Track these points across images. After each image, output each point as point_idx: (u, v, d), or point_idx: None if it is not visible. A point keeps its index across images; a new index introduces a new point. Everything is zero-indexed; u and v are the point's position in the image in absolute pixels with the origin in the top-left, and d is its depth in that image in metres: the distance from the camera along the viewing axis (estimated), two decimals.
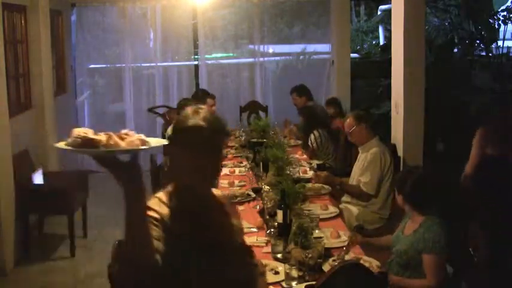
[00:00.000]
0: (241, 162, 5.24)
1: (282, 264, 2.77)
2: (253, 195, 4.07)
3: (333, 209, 3.83)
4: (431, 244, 2.97)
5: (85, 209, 5.68)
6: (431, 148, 6.27)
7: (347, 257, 2.93)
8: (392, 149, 4.93)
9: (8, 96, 5.12)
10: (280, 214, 3.18)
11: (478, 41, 8.25)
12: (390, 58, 5.32)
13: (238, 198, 4.00)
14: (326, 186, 4.39)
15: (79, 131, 1.56)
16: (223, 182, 4.52)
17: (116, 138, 1.55)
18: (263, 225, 3.38)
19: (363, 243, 3.26)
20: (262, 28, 8.61)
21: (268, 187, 3.84)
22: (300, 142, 6.26)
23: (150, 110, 8.18)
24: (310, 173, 4.81)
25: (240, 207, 3.80)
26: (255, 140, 5.52)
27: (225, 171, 4.91)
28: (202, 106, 1.89)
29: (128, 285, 1.67)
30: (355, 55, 9.94)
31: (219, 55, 8.85)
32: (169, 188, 1.87)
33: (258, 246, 3.05)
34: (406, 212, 3.31)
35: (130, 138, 1.57)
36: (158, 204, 1.79)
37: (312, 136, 5.86)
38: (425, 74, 5.03)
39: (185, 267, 1.74)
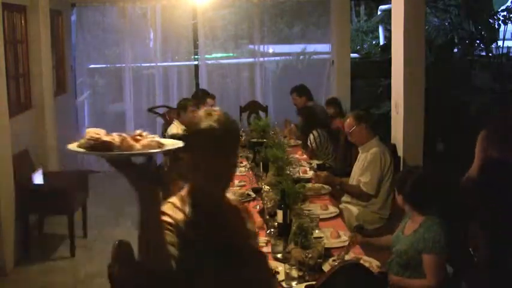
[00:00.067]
0: (241, 162, 5.24)
1: (282, 264, 2.77)
2: (253, 195, 4.07)
3: (333, 209, 3.84)
4: (431, 244, 2.97)
5: (85, 209, 5.67)
6: (431, 148, 6.27)
7: (347, 257, 2.93)
8: (392, 149, 4.93)
9: (8, 96, 5.12)
10: (280, 214, 3.18)
11: (478, 41, 8.25)
12: (390, 58, 5.32)
13: (238, 199, 4.00)
14: (326, 186, 4.39)
15: (92, 132, 1.53)
16: None
17: (130, 140, 1.52)
18: (263, 225, 3.38)
19: (363, 243, 3.26)
20: (262, 28, 8.61)
21: (268, 187, 3.84)
22: (300, 142, 6.26)
23: (150, 110, 8.19)
24: (310, 173, 4.81)
25: None
26: (255, 140, 5.52)
27: None
28: (216, 108, 1.84)
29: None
30: (355, 55, 9.94)
31: (219, 55, 8.85)
32: (183, 192, 1.84)
33: None
34: (406, 212, 3.31)
35: (145, 140, 1.54)
36: (172, 209, 1.76)
37: (311, 136, 5.86)
38: (425, 74, 5.03)
39: (199, 272, 1.71)
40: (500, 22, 8.02)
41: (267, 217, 3.40)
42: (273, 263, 2.83)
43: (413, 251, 3.03)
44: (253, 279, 1.85)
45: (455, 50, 8.52)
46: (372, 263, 2.92)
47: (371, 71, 8.77)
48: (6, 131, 4.91)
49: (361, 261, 2.75)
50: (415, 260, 3.04)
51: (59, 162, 6.60)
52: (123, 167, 1.52)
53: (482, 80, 7.73)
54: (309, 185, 4.36)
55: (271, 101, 8.62)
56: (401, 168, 4.72)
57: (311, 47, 8.90)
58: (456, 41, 8.33)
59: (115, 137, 1.52)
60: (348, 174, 4.69)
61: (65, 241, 5.35)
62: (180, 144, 1.63)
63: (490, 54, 8.14)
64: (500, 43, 8.03)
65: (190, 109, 5.48)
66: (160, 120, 7.91)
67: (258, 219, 3.52)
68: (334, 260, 2.89)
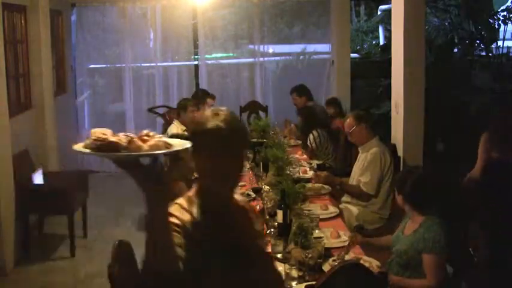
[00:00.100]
0: None
1: (282, 264, 2.77)
2: (253, 195, 4.07)
3: (333, 209, 3.84)
4: (431, 244, 2.97)
5: (85, 209, 5.67)
6: (431, 148, 6.27)
7: (347, 257, 2.93)
8: (392, 149, 4.93)
9: (8, 96, 5.12)
10: (280, 214, 3.18)
11: (478, 41, 8.26)
12: (390, 58, 5.32)
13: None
14: (326, 186, 4.39)
15: (98, 133, 1.50)
16: None
17: (137, 141, 1.49)
18: (263, 225, 3.38)
19: (363, 243, 3.26)
20: (262, 28, 8.61)
21: (268, 187, 3.84)
22: (300, 142, 6.26)
23: (150, 110, 8.19)
24: (310, 173, 4.81)
25: None
26: (255, 140, 5.52)
27: None
28: (222, 108, 1.81)
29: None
30: (355, 55, 9.94)
31: (219, 55, 8.85)
32: (190, 193, 1.83)
33: None
34: (406, 212, 3.31)
35: (152, 140, 1.51)
36: (179, 210, 1.74)
37: (311, 136, 5.85)
38: (425, 74, 5.03)
39: (207, 273, 1.69)
40: (500, 22, 8.02)
41: (267, 217, 3.40)
42: None
43: (413, 251, 3.03)
44: (261, 280, 1.84)
45: (455, 50, 8.52)
46: (372, 263, 2.92)
47: (371, 71, 8.78)
48: (6, 131, 4.91)
49: (361, 261, 2.75)
50: (415, 260, 3.04)
51: (59, 162, 6.60)
52: (130, 168, 1.50)
53: (482, 80, 7.73)
54: (309, 185, 4.36)
55: (271, 101, 8.62)
56: (401, 168, 4.72)
57: (311, 47, 8.90)
58: (456, 41, 8.33)
59: (122, 138, 1.50)
60: (348, 174, 4.69)
61: (65, 241, 5.35)
62: (187, 144, 1.62)
63: (490, 54, 8.15)
64: (500, 43, 8.04)
65: (190, 109, 5.48)
66: (160, 120, 7.91)
67: None
68: (334, 260, 2.89)
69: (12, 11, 5.76)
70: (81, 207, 5.60)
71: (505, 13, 7.97)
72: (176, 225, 1.68)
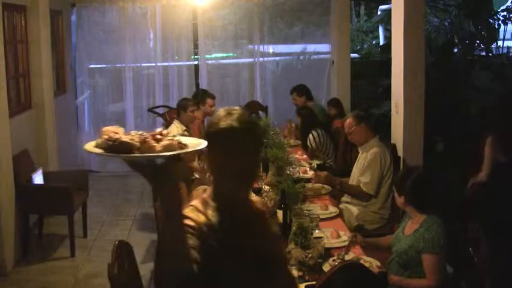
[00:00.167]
0: None
1: None
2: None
3: (333, 209, 3.84)
4: (431, 244, 2.97)
5: (85, 209, 5.67)
6: (431, 148, 6.27)
7: (347, 257, 2.93)
8: (392, 149, 4.93)
9: (8, 96, 5.12)
10: (280, 214, 3.18)
11: (478, 41, 8.27)
12: (390, 58, 5.32)
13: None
14: (326, 186, 4.39)
15: (110, 132, 1.46)
16: None
17: (150, 141, 1.46)
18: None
19: (363, 243, 3.26)
20: (262, 28, 8.61)
21: (268, 187, 3.84)
22: (299, 142, 6.26)
23: (150, 110, 8.19)
24: (310, 173, 4.80)
25: None
26: None
27: None
28: (236, 107, 1.80)
29: None
30: (355, 55, 9.95)
31: (219, 55, 8.85)
32: (205, 195, 1.80)
33: None
34: (406, 212, 3.31)
35: (166, 140, 1.48)
36: (194, 212, 1.72)
37: (311, 136, 5.85)
38: (425, 74, 5.02)
39: (221, 275, 1.67)
40: (500, 22, 8.03)
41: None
42: None
43: (413, 251, 3.04)
44: (277, 283, 1.82)
45: (456, 50, 8.53)
46: (372, 263, 2.93)
47: (371, 71, 8.79)
48: (6, 131, 4.91)
49: (361, 261, 2.76)
50: (414, 260, 3.04)
51: (59, 162, 6.60)
52: (143, 169, 1.49)
53: (482, 80, 7.74)
54: (309, 185, 4.36)
55: (271, 101, 8.62)
56: (401, 168, 4.71)
57: (311, 47, 8.90)
58: (456, 41, 8.34)
59: (135, 137, 1.46)
60: (348, 174, 4.69)
61: (65, 241, 5.35)
62: (202, 144, 1.60)
63: (490, 54, 8.15)
64: (500, 43, 8.05)
65: (190, 109, 5.48)
66: (160, 120, 7.91)
67: None
68: (334, 260, 2.90)
69: (12, 11, 5.76)
70: (81, 207, 5.60)
71: (505, 13, 7.98)
72: (191, 227, 1.65)
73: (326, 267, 2.79)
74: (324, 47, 8.72)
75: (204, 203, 1.77)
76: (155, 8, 8.36)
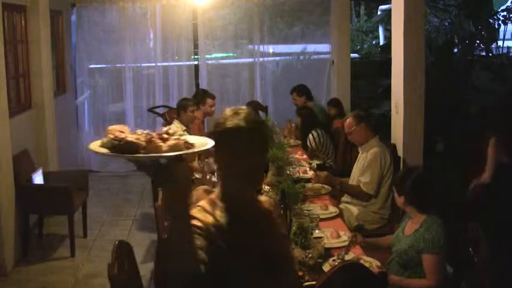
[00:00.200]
0: None
1: None
2: None
3: (333, 209, 3.84)
4: (432, 244, 2.97)
5: (85, 209, 5.67)
6: (431, 148, 6.27)
7: (347, 257, 2.93)
8: (392, 149, 4.93)
9: (8, 96, 5.12)
10: None
11: (478, 41, 8.27)
12: (390, 58, 5.32)
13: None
14: (326, 186, 4.39)
15: (115, 131, 1.44)
16: None
17: (156, 140, 1.44)
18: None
19: (363, 243, 3.26)
20: (262, 28, 8.61)
21: (268, 187, 3.84)
22: (299, 142, 6.26)
23: (150, 110, 8.19)
24: (310, 173, 4.80)
25: None
26: None
27: None
28: (242, 107, 1.79)
29: None
30: (355, 55, 9.95)
31: (219, 55, 8.85)
32: (212, 195, 1.79)
33: None
34: (406, 212, 3.31)
35: (172, 139, 1.47)
36: (201, 212, 1.71)
37: (311, 136, 5.85)
38: (425, 74, 5.02)
39: (229, 275, 1.67)
40: (500, 22, 8.03)
41: None
42: None
43: (413, 251, 3.04)
44: (284, 283, 1.82)
45: (456, 50, 8.53)
46: (372, 263, 2.93)
47: (371, 71, 8.79)
48: (6, 131, 4.91)
49: (361, 261, 2.76)
50: (414, 260, 3.04)
51: (59, 162, 6.60)
52: (149, 169, 1.49)
53: (482, 80, 7.74)
54: (309, 185, 4.36)
55: (271, 101, 8.62)
56: (401, 168, 4.71)
57: (311, 47, 8.90)
58: (456, 41, 8.34)
59: (140, 136, 1.44)
60: (348, 174, 4.69)
61: (65, 241, 5.35)
62: (209, 144, 1.60)
63: (490, 54, 8.16)
64: (500, 43, 8.05)
65: (190, 109, 5.48)
66: (160, 120, 7.91)
67: None
68: (334, 260, 2.90)
69: (12, 11, 5.76)
70: (81, 207, 5.60)
71: (505, 13, 7.98)
72: (199, 227, 1.65)
73: (326, 267, 2.78)
74: (324, 47, 8.72)
75: (212, 203, 1.76)
76: (155, 8, 8.35)
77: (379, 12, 10.82)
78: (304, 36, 8.95)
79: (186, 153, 1.50)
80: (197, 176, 4.52)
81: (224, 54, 8.87)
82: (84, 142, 8.38)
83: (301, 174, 4.67)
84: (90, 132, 8.43)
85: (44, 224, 5.65)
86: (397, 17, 5.09)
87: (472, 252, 2.99)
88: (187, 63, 8.68)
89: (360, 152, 4.53)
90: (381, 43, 10.65)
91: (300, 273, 2.69)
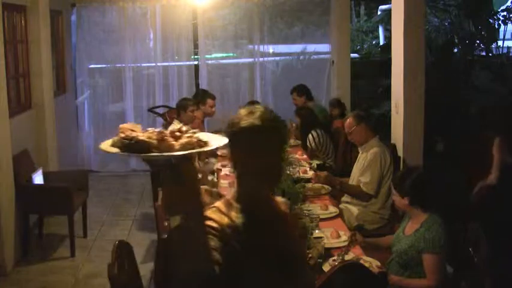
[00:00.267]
0: None
1: None
2: None
3: (333, 209, 3.84)
4: (432, 244, 2.97)
5: (85, 209, 5.67)
6: (431, 148, 6.27)
7: (347, 257, 2.93)
8: (392, 149, 4.93)
9: (8, 96, 5.12)
10: None
11: (478, 41, 8.27)
12: (390, 58, 5.32)
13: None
14: (326, 186, 4.39)
15: (127, 129, 1.42)
16: (223, 182, 4.52)
17: (169, 138, 1.42)
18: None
19: (363, 243, 3.26)
20: (262, 28, 8.61)
21: None
22: (299, 142, 6.26)
23: (150, 110, 8.19)
24: (310, 173, 4.81)
25: None
26: None
27: (224, 171, 4.92)
28: (258, 106, 1.76)
29: None
30: (355, 55, 9.95)
31: (219, 55, 8.85)
32: (228, 196, 1.78)
33: None
34: (406, 212, 3.31)
35: (184, 137, 1.44)
36: (216, 213, 1.70)
37: (311, 136, 5.85)
38: (425, 74, 5.03)
39: (243, 277, 1.65)
40: (500, 22, 8.03)
41: None
42: None
43: (413, 251, 3.04)
44: (299, 282, 1.81)
45: (456, 50, 8.53)
46: (372, 263, 2.93)
47: (371, 71, 8.79)
48: (6, 131, 4.91)
49: (361, 261, 2.76)
50: (414, 260, 3.04)
51: (59, 162, 6.60)
52: (161, 168, 1.48)
53: (482, 80, 7.74)
54: (309, 185, 4.36)
55: (271, 101, 8.61)
56: (401, 168, 4.72)
57: (311, 47, 8.89)
58: (456, 41, 8.34)
59: (152, 135, 1.42)
60: (348, 174, 4.69)
61: (65, 241, 5.35)
62: (223, 142, 1.58)
63: (490, 54, 8.16)
64: (500, 43, 8.05)
65: (190, 109, 5.48)
66: (160, 120, 7.91)
67: None
68: (334, 260, 2.89)
69: (12, 11, 5.76)
70: (81, 207, 5.60)
71: (505, 13, 7.98)
72: (213, 228, 1.64)
73: (326, 267, 2.78)
74: (324, 47, 8.72)
75: (228, 204, 1.75)
76: (155, 8, 8.35)
77: (379, 12, 10.82)
78: (304, 36, 8.94)
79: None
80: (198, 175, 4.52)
81: (224, 54, 8.87)
82: (84, 142, 8.39)
83: (301, 174, 4.67)
84: (90, 132, 8.43)
85: (44, 224, 5.66)
86: (397, 17, 5.09)
87: (472, 252, 2.99)
88: (187, 63, 8.68)
89: (360, 152, 4.53)
90: (381, 43, 10.65)
91: None
